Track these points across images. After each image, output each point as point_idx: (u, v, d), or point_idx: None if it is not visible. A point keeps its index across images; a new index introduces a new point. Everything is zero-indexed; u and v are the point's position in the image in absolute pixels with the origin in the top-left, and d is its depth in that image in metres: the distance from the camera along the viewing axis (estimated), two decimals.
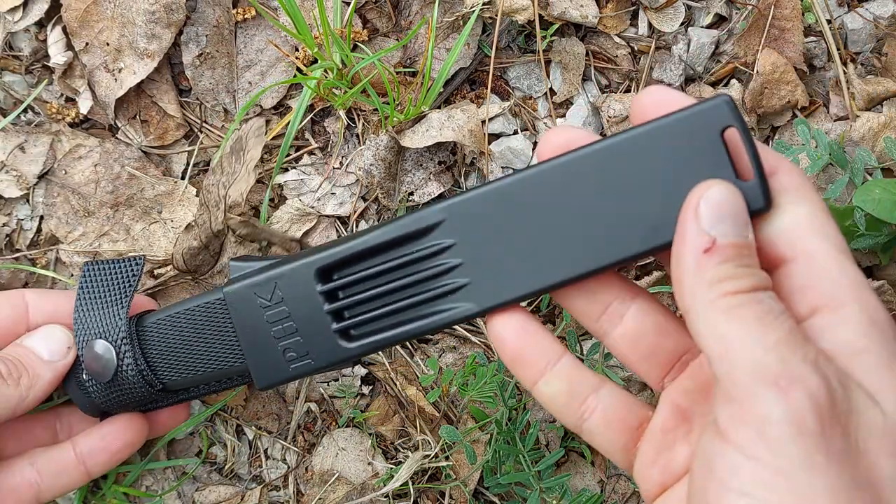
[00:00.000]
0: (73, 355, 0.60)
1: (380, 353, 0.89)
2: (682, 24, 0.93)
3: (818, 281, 0.36)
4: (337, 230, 0.90)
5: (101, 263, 0.65)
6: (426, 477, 0.87)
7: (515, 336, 0.44)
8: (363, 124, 0.91)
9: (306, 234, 0.88)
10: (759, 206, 0.38)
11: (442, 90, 0.91)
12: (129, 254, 0.88)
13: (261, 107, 0.91)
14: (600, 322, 0.45)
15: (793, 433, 0.31)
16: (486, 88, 0.91)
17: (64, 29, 0.89)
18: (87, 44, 0.89)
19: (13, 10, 0.89)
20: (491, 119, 0.92)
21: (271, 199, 0.90)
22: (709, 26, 0.94)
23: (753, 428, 0.31)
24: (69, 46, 0.90)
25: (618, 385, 0.45)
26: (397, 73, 0.91)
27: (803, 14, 0.91)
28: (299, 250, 0.50)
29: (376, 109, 0.89)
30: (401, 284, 0.45)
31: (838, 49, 0.91)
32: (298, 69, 0.91)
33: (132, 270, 0.64)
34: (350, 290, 0.46)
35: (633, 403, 0.45)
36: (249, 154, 0.85)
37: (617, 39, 0.93)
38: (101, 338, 0.58)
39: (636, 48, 0.94)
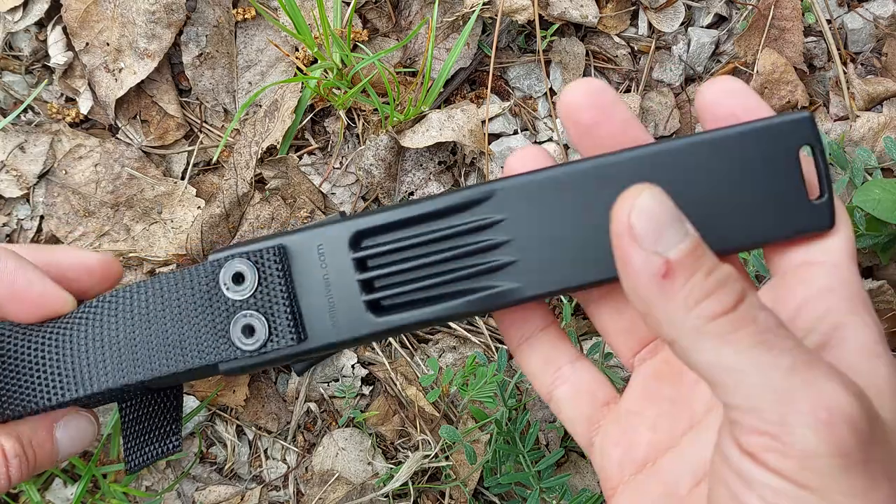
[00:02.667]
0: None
1: (380, 352, 0.89)
2: (682, 24, 0.93)
3: (837, 299, 0.35)
4: None
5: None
6: (426, 477, 0.87)
7: None
8: (363, 124, 0.91)
9: None
10: (825, 224, 0.38)
11: (442, 90, 0.91)
12: (130, 254, 0.88)
13: (260, 106, 0.91)
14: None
15: (841, 465, 0.30)
16: (486, 88, 0.91)
17: (64, 29, 0.89)
18: (87, 44, 0.89)
19: (13, 10, 0.89)
20: (491, 119, 0.92)
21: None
22: (709, 26, 0.94)
23: (796, 461, 0.30)
24: (69, 46, 0.90)
25: (592, 362, 0.45)
26: (397, 73, 0.91)
27: (803, 14, 0.91)
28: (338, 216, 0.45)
29: (376, 109, 0.89)
30: (442, 258, 0.41)
31: (838, 49, 0.91)
32: (298, 69, 0.91)
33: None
34: (385, 259, 0.42)
35: (603, 381, 0.45)
36: (285, 106, 0.87)
37: (617, 39, 0.93)
38: None
39: (636, 48, 0.94)
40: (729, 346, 0.31)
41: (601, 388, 0.44)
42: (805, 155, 0.39)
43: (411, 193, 0.91)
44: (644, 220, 0.31)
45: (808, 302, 0.36)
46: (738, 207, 0.38)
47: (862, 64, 0.93)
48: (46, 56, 0.90)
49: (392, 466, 0.87)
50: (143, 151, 0.91)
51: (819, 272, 0.37)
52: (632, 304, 0.33)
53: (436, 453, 0.85)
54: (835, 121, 0.91)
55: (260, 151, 0.87)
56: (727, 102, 0.39)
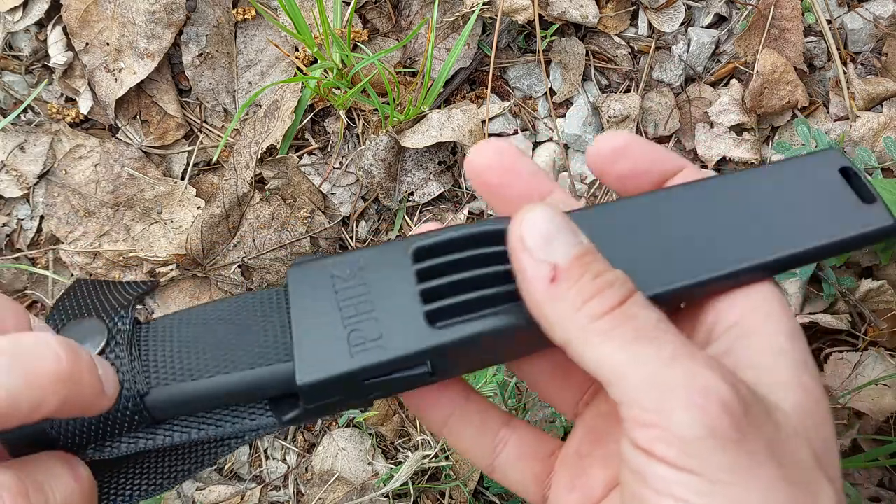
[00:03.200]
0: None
1: None
2: (682, 24, 0.93)
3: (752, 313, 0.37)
4: (338, 230, 0.90)
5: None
6: (426, 477, 0.87)
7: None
8: (363, 124, 0.91)
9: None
10: (890, 223, 0.40)
11: (442, 90, 0.91)
12: (130, 254, 0.88)
13: (260, 106, 0.91)
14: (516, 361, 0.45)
15: (717, 445, 0.31)
16: (486, 88, 0.91)
17: (64, 29, 0.89)
18: (87, 44, 0.89)
19: (13, 10, 0.89)
20: (491, 119, 0.92)
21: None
22: (709, 26, 0.94)
23: (677, 447, 0.31)
24: (69, 46, 0.90)
25: (524, 420, 0.45)
26: (397, 73, 0.91)
27: (803, 14, 0.91)
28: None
29: (376, 109, 0.89)
30: (503, 271, 0.39)
31: (838, 49, 0.91)
32: (298, 69, 0.91)
33: None
34: (446, 272, 0.40)
35: (542, 435, 0.45)
36: (285, 106, 0.87)
37: (617, 39, 0.93)
38: None
39: (636, 48, 0.94)
40: (612, 341, 0.33)
41: (543, 443, 0.44)
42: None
43: (411, 193, 0.91)
44: (534, 232, 0.34)
45: (722, 312, 0.38)
46: (799, 225, 0.41)
47: (862, 64, 0.93)
48: (46, 56, 0.90)
49: (392, 466, 0.87)
50: (143, 151, 0.91)
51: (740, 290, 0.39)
52: (532, 314, 0.35)
53: (436, 453, 0.85)
54: (835, 121, 0.91)
55: (260, 151, 0.87)
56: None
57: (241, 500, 0.87)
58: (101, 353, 0.37)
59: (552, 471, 0.43)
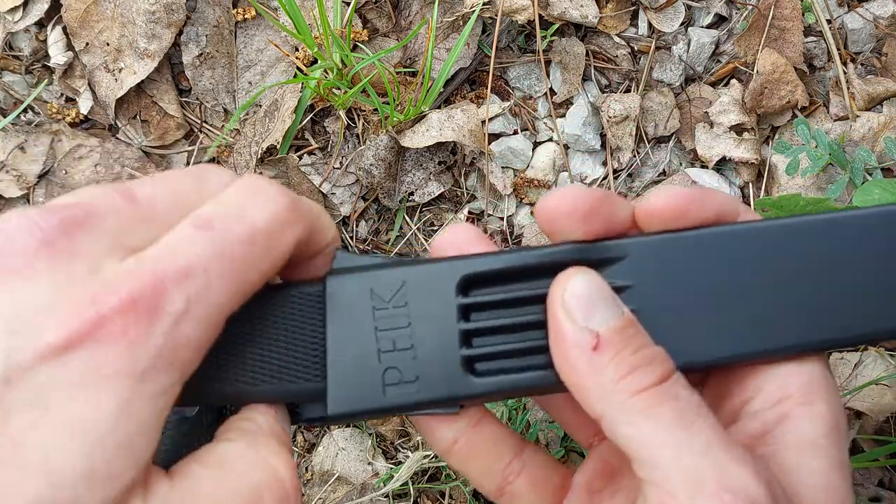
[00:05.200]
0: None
1: None
2: (682, 24, 0.93)
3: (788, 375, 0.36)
4: (338, 230, 0.90)
5: None
6: (426, 477, 0.87)
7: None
8: (363, 124, 0.91)
9: None
10: None
11: (442, 90, 0.91)
12: None
13: (260, 106, 0.91)
14: None
15: None
16: (486, 88, 0.91)
17: (64, 29, 0.89)
18: (87, 44, 0.89)
19: (13, 10, 0.89)
20: (491, 119, 0.92)
21: None
22: (709, 26, 0.94)
23: None
24: (69, 46, 0.90)
25: (538, 446, 0.44)
26: (397, 73, 0.91)
27: (803, 14, 0.91)
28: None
29: (376, 109, 0.89)
30: (545, 320, 0.37)
31: (838, 49, 0.91)
32: (298, 69, 0.91)
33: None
34: (489, 312, 0.37)
35: (555, 463, 0.43)
36: (285, 106, 0.87)
37: (617, 39, 0.93)
38: None
39: (636, 48, 0.94)
40: (647, 420, 0.32)
41: (555, 472, 0.43)
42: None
43: (411, 193, 0.91)
44: (577, 298, 0.34)
45: (762, 388, 0.36)
46: (864, 296, 0.37)
47: (862, 64, 0.93)
48: (46, 56, 0.90)
49: (392, 466, 0.87)
50: (143, 151, 0.91)
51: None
52: (564, 378, 0.34)
53: (436, 453, 0.85)
54: (835, 121, 0.91)
55: (260, 151, 0.87)
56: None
57: None
58: None
59: (563, 500, 0.42)
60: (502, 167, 0.92)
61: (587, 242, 0.37)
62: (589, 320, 0.33)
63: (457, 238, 0.39)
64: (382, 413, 0.37)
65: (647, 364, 0.33)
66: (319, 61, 0.87)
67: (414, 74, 0.92)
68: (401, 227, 0.92)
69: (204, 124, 0.92)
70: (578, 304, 0.34)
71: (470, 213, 0.93)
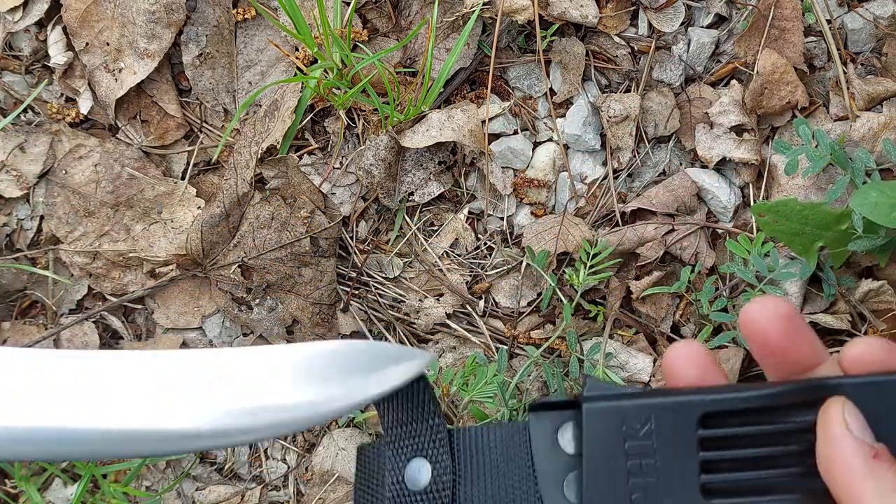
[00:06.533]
0: None
1: None
2: (682, 24, 0.93)
3: None
4: (338, 230, 0.90)
5: None
6: None
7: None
8: (363, 124, 0.91)
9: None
10: None
11: (442, 90, 0.91)
12: (130, 254, 0.88)
13: (260, 106, 0.91)
14: None
15: None
16: (486, 88, 0.91)
17: (64, 29, 0.89)
18: (87, 44, 0.89)
19: (13, 10, 0.89)
20: (491, 119, 0.92)
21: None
22: (709, 26, 0.94)
23: None
24: (69, 46, 0.90)
25: None
26: (397, 73, 0.91)
27: (803, 14, 0.91)
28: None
29: (376, 109, 0.89)
30: (781, 452, 0.41)
31: (838, 49, 0.91)
32: (298, 69, 0.91)
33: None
34: (723, 443, 0.42)
35: None
36: (285, 106, 0.87)
37: (617, 39, 0.93)
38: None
39: (636, 48, 0.94)
40: None
41: None
42: None
43: (411, 193, 0.91)
44: (856, 417, 0.39)
45: None
46: None
47: (862, 64, 0.93)
48: (46, 56, 0.90)
49: None
50: (143, 151, 0.91)
51: None
52: (834, 482, 0.39)
53: None
54: (835, 121, 0.91)
55: (260, 151, 0.87)
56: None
57: (241, 500, 0.87)
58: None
59: None
60: (502, 167, 0.92)
61: (813, 380, 0.41)
62: (865, 435, 0.39)
63: (689, 352, 0.44)
64: None
65: None
66: (319, 61, 0.87)
67: (414, 74, 0.92)
68: (401, 227, 0.92)
69: (204, 124, 0.92)
70: (856, 422, 0.39)
71: (470, 212, 0.93)
